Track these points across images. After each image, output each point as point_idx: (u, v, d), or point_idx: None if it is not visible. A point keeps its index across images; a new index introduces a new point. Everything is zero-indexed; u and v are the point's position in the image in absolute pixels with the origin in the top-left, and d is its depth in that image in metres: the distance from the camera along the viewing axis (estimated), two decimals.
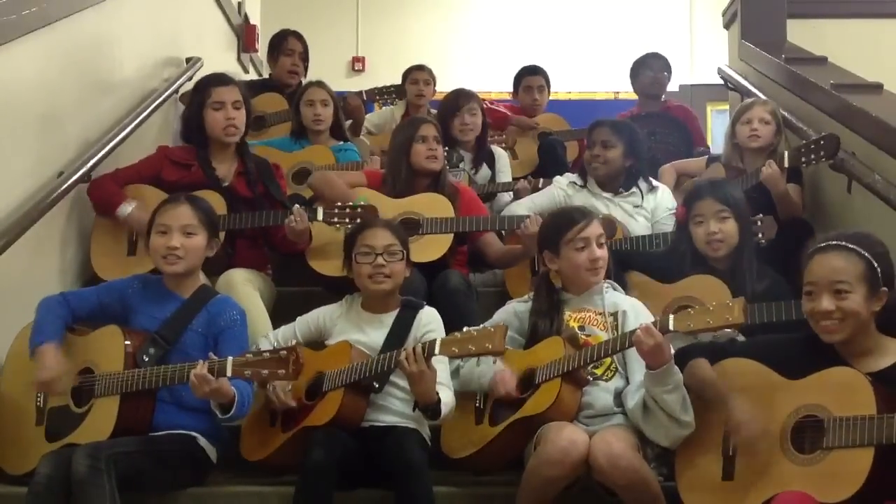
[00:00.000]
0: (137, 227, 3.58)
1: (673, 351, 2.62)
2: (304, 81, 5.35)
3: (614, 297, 2.99)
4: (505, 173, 4.77)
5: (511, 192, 4.55)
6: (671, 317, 2.55)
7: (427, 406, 2.75)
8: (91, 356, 2.87)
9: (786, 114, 4.28)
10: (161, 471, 2.69)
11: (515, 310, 3.06)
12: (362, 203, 3.52)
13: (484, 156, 4.69)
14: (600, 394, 2.80)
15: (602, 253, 2.96)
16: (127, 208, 3.61)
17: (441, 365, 2.82)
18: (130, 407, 2.74)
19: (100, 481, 2.46)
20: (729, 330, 2.58)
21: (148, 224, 3.03)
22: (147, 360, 2.80)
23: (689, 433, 2.60)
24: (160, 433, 2.78)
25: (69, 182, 3.49)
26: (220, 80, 3.74)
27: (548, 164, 4.87)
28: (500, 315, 3.05)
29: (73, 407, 2.83)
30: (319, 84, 4.75)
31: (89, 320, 2.97)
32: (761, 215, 3.38)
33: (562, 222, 3.02)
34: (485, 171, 4.68)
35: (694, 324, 2.51)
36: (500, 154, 4.84)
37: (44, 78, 3.56)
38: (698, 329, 2.52)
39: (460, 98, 4.61)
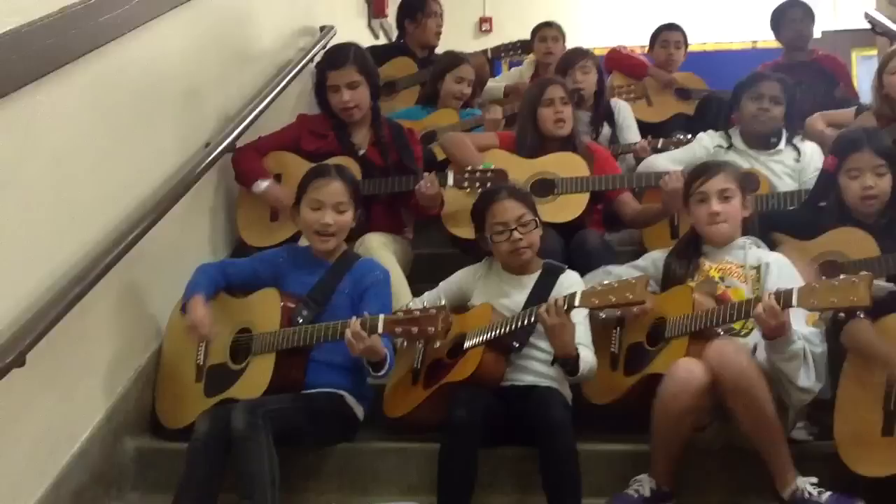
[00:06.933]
0: (272, 202, 3.71)
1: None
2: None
3: (757, 252, 2.94)
4: (628, 125, 4.55)
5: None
6: (795, 292, 2.43)
7: (565, 359, 2.76)
8: (249, 317, 3.01)
9: None
10: (313, 427, 2.80)
11: (654, 258, 3.07)
12: (492, 167, 3.51)
13: (602, 115, 4.49)
14: None
15: (721, 207, 2.90)
16: (262, 184, 3.71)
17: (581, 326, 2.83)
18: (285, 364, 2.86)
19: (258, 436, 2.58)
20: (887, 284, 2.47)
21: (297, 191, 3.12)
22: (301, 321, 2.91)
23: (810, 398, 2.60)
24: (312, 391, 2.89)
25: (216, 153, 3.61)
26: (332, 63, 3.73)
27: (707, 121, 4.55)
28: (640, 262, 3.05)
29: (230, 364, 2.98)
30: (468, 62, 4.67)
31: (243, 287, 3.12)
32: None
33: (691, 174, 3.01)
34: (605, 131, 4.50)
35: (818, 302, 2.38)
36: (621, 106, 4.62)
37: (187, 52, 3.67)
38: (823, 308, 2.42)
39: (572, 55, 4.47)
